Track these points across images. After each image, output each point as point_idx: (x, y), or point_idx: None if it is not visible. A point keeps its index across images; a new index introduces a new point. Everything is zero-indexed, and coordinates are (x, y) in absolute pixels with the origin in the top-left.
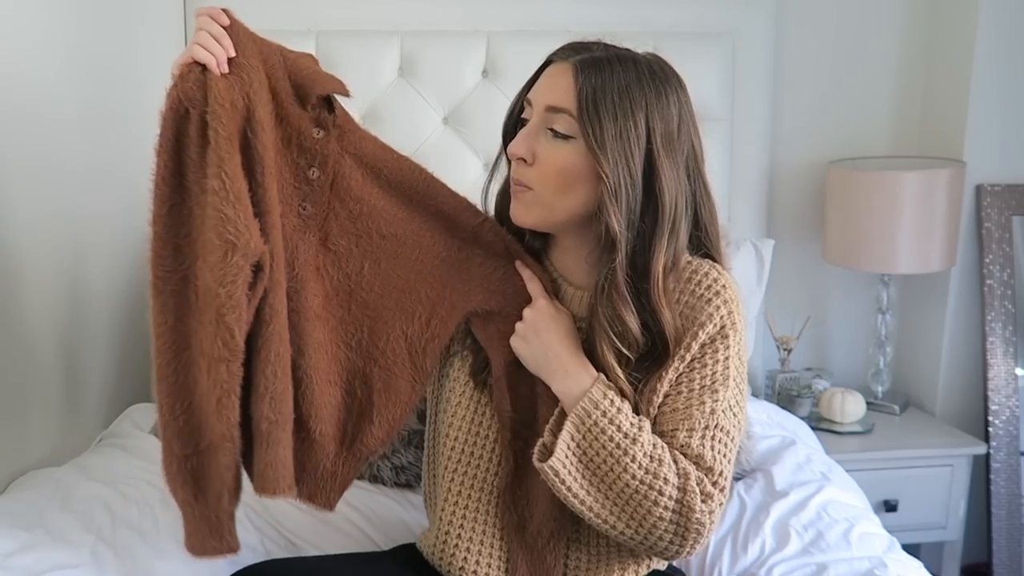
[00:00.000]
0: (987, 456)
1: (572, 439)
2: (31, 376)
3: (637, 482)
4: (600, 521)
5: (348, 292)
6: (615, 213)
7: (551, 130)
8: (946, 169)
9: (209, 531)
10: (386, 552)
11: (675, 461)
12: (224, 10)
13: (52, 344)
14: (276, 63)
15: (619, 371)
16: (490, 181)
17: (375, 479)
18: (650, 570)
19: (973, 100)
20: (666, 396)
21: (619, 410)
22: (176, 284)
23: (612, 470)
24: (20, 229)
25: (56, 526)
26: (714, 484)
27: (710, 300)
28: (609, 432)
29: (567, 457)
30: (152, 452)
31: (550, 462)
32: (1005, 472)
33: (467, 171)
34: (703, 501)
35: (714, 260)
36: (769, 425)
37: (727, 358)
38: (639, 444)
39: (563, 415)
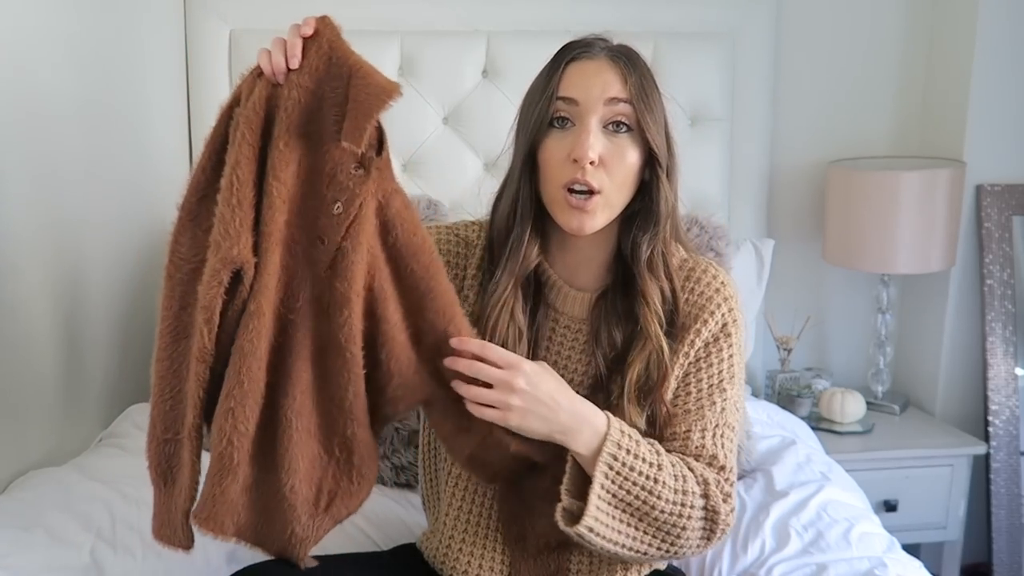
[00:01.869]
0: (987, 456)
1: (604, 488)
2: (31, 376)
3: (671, 505)
4: (633, 553)
5: (338, 344)
6: (666, 188)
7: (612, 124)
8: (946, 169)
9: (168, 520)
10: (386, 552)
11: (692, 470)
12: (322, 19)
13: (52, 344)
14: (339, 87)
15: (664, 341)
16: (505, 186)
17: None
18: (651, 570)
19: (973, 100)
20: (675, 396)
21: (638, 442)
22: (187, 273)
23: (646, 502)
24: (20, 229)
25: (56, 526)
26: (727, 481)
27: (711, 298)
28: (638, 467)
29: (598, 509)
30: None
31: (585, 523)
32: (1005, 472)
33: (467, 171)
34: (724, 502)
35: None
36: (769, 425)
37: (731, 356)
38: (664, 469)
39: (576, 471)
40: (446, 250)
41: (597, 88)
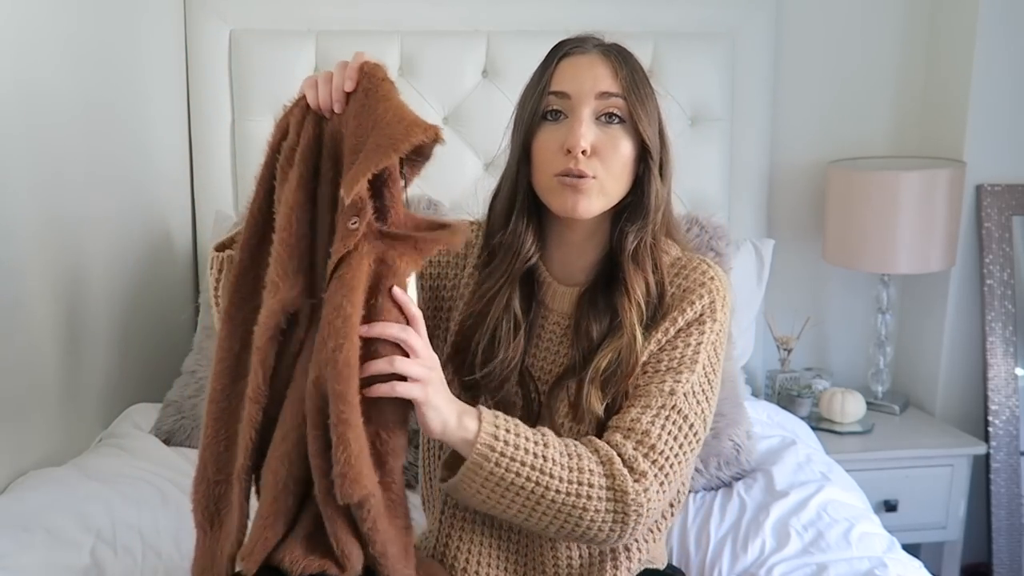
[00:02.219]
0: (987, 456)
1: (481, 468)
2: (31, 376)
3: (566, 483)
4: (533, 524)
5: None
6: (658, 181)
7: (604, 116)
8: (946, 169)
9: (211, 564)
10: None
11: (596, 451)
12: (361, 68)
13: (52, 344)
14: (363, 137)
15: (639, 332)
16: (502, 183)
17: None
18: (643, 567)
19: (973, 100)
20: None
21: (516, 423)
22: (248, 314)
23: (538, 480)
24: (20, 229)
25: (56, 526)
26: (653, 462)
27: (694, 290)
28: (523, 445)
29: (473, 481)
30: (152, 452)
31: (450, 482)
32: (1005, 472)
33: (467, 171)
34: (636, 481)
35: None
36: (769, 425)
37: (699, 344)
38: (551, 447)
39: (456, 455)
40: (445, 250)
41: (589, 82)
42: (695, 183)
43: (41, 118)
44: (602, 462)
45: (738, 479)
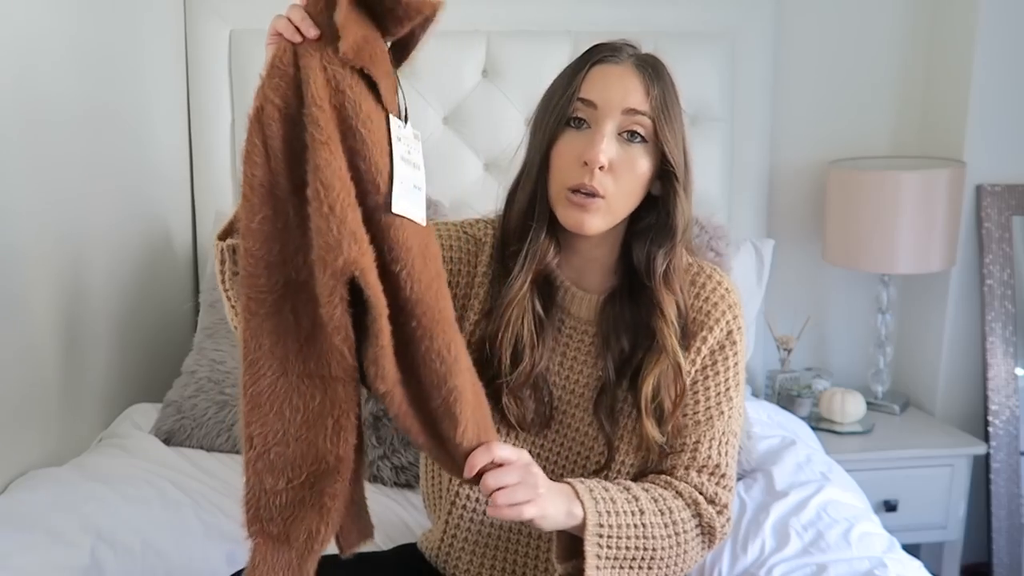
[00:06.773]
0: (987, 456)
1: (599, 556)
2: (31, 376)
3: (665, 540)
4: None
5: None
6: (683, 202)
7: (626, 133)
8: (946, 169)
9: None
10: (386, 552)
11: (679, 494)
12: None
13: (52, 344)
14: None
15: (681, 357)
16: (521, 183)
17: (375, 479)
18: None
19: (973, 100)
20: (684, 405)
21: (613, 500)
22: (271, 305)
23: (644, 546)
24: (21, 230)
25: (56, 526)
26: (726, 488)
27: (716, 304)
28: (624, 521)
29: (599, 570)
30: (152, 452)
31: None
32: (1005, 472)
33: (467, 171)
34: (719, 513)
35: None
36: (769, 425)
37: (737, 363)
38: (646, 512)
39: (566, 539)
40: (457, 247)
41: (618, 95)
42: (695, 183)
43: (41, 118)
44: (688, 505)
45: (738, 479)
